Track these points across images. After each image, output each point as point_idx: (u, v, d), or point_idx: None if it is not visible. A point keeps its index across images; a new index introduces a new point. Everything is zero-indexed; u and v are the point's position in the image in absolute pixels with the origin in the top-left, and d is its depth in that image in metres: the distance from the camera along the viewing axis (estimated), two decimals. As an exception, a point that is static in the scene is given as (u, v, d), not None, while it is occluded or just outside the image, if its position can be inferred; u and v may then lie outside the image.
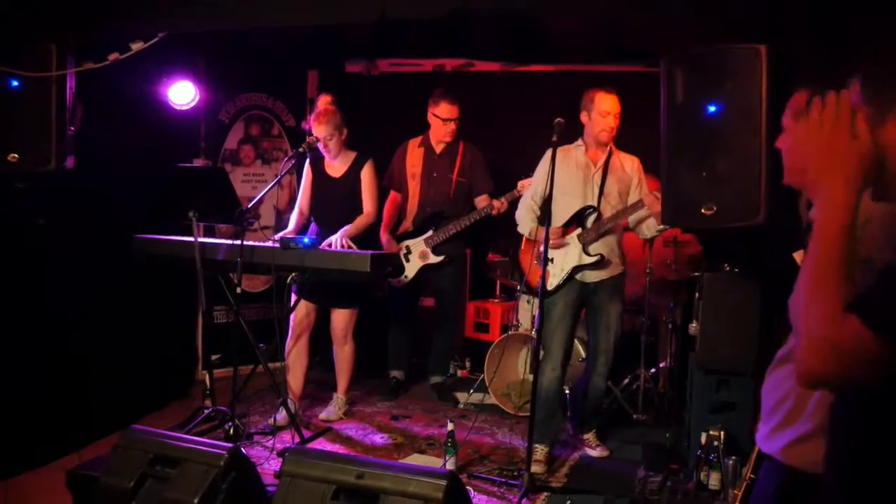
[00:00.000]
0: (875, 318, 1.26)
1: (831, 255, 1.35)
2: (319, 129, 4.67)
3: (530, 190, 4.58)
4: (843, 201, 1.36)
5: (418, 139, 5.51)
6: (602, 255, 4.35)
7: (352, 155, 4.89)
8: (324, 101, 4.84)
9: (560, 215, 4.40)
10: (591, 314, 4.49)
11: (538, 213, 4.47)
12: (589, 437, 4.63)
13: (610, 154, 4.42)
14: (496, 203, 5.17)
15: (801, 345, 1.34)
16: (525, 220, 4.55)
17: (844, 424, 1.43)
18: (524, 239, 4.91)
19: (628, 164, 4.46)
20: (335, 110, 4.75)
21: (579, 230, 4.40)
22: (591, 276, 4.39)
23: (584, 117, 4.38)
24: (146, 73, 5.10)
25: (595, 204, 4.38)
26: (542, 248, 4.01)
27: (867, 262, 1.46)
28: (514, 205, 4.95)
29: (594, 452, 4.58)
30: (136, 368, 4.88)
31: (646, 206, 4.25)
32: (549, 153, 4.36)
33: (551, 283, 4.33)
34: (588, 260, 4.36)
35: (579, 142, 4.44)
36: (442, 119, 5.30)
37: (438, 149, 5.43)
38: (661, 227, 4.33)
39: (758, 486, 1.95)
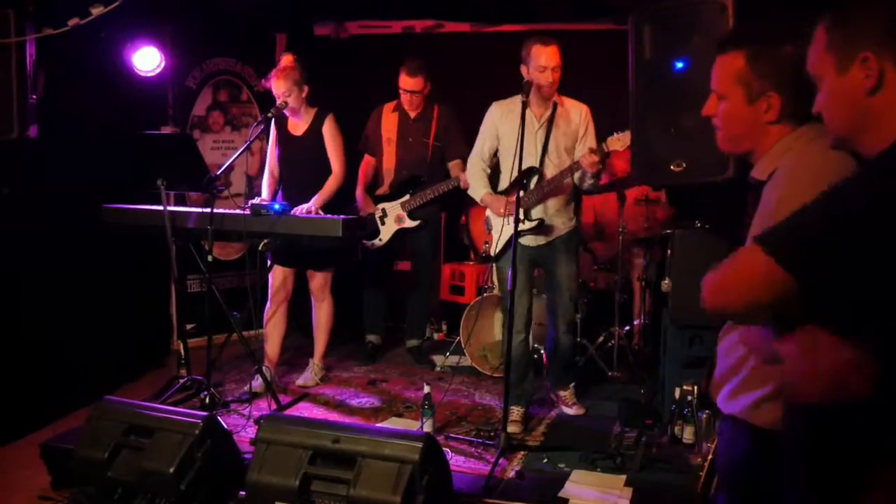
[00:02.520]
0: (774, 245, 1.32)
1: None
2: (278, 85, 4.60)
3: (476, 148, 4.46)
4: None
5: (392, 104, 5.43)
6: (542, 220, 4.26)
7: (312, 111, 4.83)
8: (285, 59, 4.76)
9: (507, 174, 4.27)
10: (545, 274, 4.45)
11: (488, 171, 4.39)
12: (565, 395, 4.62)
13: (555, 108, 4.27)
14: (463, 176, 5.12)
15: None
16: (476, 184, 4.43)
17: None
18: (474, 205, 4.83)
19: (575, 115, 4.29)
20: (294, 67, 4.65)
21: (521, 193, 4.17)
22: (538, 240, 4.32)
23: (524, 71, 4.16)
24: (110, 39, 5.01)
25: (537, 163, 4.26)
26: (487, 213, 3.95)
27: None
28: None
29: (570, 410, 4.59)
30: (109, 339, 4.85)
31: (582, 168, 4.13)
32: (492, 109, 4.32)
33: (494, 249, 4.32)
34: (528, 225, 4.23)
35: (522, 95, 4.12)
36: (404, 90, 5.25)
37: (412, 113, 5.37)
38: (592, 183, 4.25)
39: (722, 447, 1.95)
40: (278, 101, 4.62)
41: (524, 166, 4.09)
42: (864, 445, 1.32)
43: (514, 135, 4.11)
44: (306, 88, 4.70)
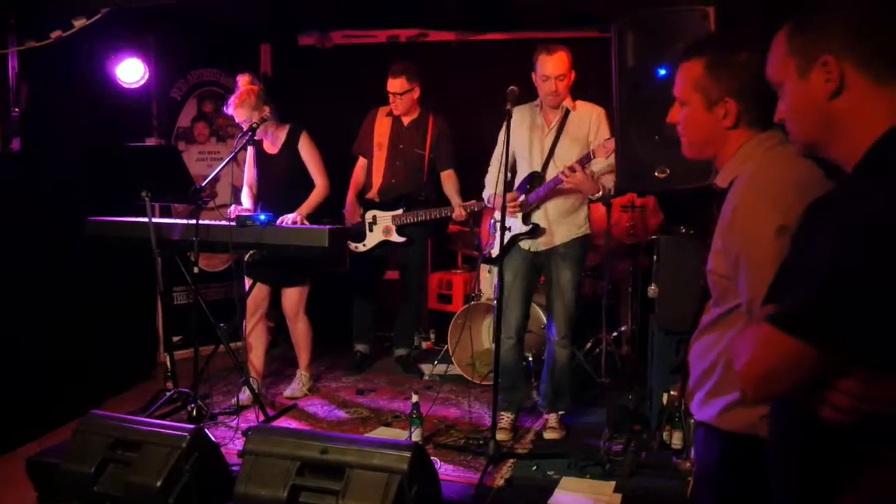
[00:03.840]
0: (801, 329, 1.28)
1: None
2: (238, 114, 4.56)
3: (496, 153, 4.39)
4: None
5: (387, 108, 5.36)
6: (536, 225, 4.22)
7: (285, 128, 4.80)
8: (242, 83, 4.71)
9: (519, 178, 4.31)
10: (545, 282, 4.39)
11: (508, 177, 4.33)
12: (550, 418, 4.40)
13: (566, 114, 4.20)
14: (457, 211, 5.12)
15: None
16: (491, 184, 4.38)
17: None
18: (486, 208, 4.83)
19: (586, 119, 4.19)
20: (248, 92, 4.58)
21: (522, 197, 4.25)
22: (538, 245, 4.27)
23: (533, 77, 4.15)
24: (93, 51, 5.00)
25: (540, 168, 4.22)
26: (495, 216, 3.94)
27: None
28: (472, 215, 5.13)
29: (546, 433, 4.36)
30: (96, 353, 4.83)
31: (565, 180, 4.04)
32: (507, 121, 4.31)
33: (495, 252, 4.26)
34: (523, 229, 4.23)
35: (537, 101, 4.24)
36: (389, 92, 5.22)
37: (405, 119, 5.35)
38: (595, 196, 4.13)
39: (698, 452, 1.98)
40: (264, 112, 4.61)
41: (528, 171, 4.25)
42: (849, 449, 1.32)
43: (522, 140, 4.24)
44: (267, 109, 4.62)
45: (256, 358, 4.86)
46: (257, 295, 4.80)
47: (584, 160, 4.04)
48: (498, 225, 4.28)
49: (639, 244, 5.38)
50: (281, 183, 4.79)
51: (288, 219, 4.52)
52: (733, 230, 1.70)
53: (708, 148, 1.89)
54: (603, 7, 5.13)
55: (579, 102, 4.25)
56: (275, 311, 5.04)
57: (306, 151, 4.77)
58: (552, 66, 4.06)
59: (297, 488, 2.95)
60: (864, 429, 1.29)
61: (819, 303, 1.27)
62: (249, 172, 4.95)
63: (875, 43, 1.34)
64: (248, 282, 4.81)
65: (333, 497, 2.89)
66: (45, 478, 3.47)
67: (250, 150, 4.91)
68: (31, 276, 4.49)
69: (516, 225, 4.29)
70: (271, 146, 4.82)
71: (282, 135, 4.80)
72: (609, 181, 4.10)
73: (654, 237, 4.53)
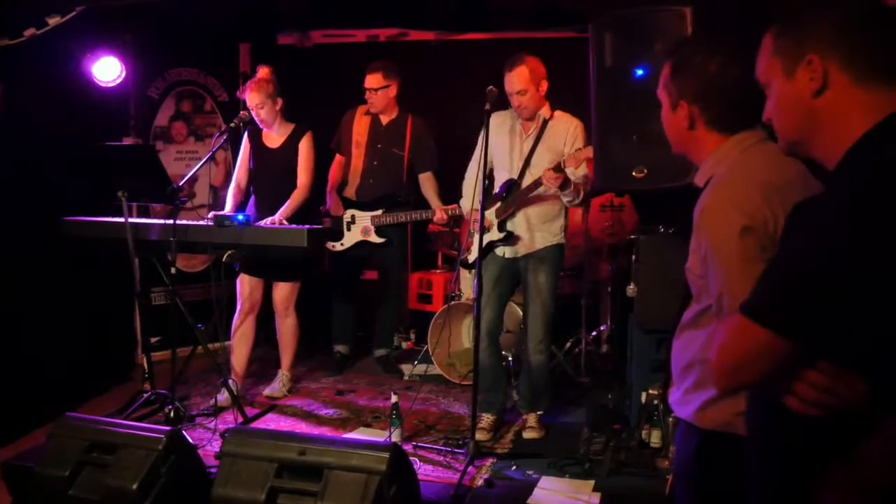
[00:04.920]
0: (768, 317, 1.29)
1: None
2: (252, 97, 4.59)
3: (474, 157, 4.37)
4: None
5: (365, 107, 5.35)
6: (511, 233, 4.23)
7: (290, 126, 4.82)
8: (261, 72, 4.74)
9: (497, 183, 4.32)
10: (522, 288, 4.38)
11: (486, 183, 4.33)
12: (528, 418, 4.40)
13: (545, 123, 4.21)
14: (438, 214, 5.08)
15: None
16: (468, 195, 4.38)
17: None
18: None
19: (562, 130, 4.18)
20: (269, 79, 4.64)
21: (499, 205, 4.26)
22: (515, 251, 4.27)
23: None
24: (69, 50, 4.95)
25: (517, 175, 4.22)
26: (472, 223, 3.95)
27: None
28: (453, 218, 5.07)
29: (525, 433, 4.36)
30: (73, 355, 4.79)
31: (542, 185, 4.05)
32: (490, 120, 4.31)
33: (470, 258, 4.29)
34: (498, 236, 4.25)
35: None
36: (365, 88, 5.20)
37: (384, 119, 5.33)
38: (570, 199, 4.13)
39: (677, 449, 2.00)
40: (242, 113, 4.59)
41: (505, 178, 4.25)
42: (821, 444, 1.33)
43: (501, 146, 4.24)
44: (280, 101, 4.68)
45: (238, 359, 4.82)
46: (247, 293, 4.79)
47: (558, 168, 3.98)
48: (476, 226, 4.29)
49: (618, 244, 5.39)
50: (278, 177, 4.79)
51: (268, 221, 4.51)
52: (702, 231, 1.72)
53: (678, 146, 1.95)
54: (581, 7, 5.14)
55: (558, 113, 4.25)
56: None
57: (303, 151, 4.79)
58: (512, 83, 4.07)
59: (276, 490, 2.92)
60: (837, 424, 1.30)
61: (785, 294, 1.30)
62: (241, 169, 4.93)
63: (857, 42, 1.36)
64: (240, 281, 4.81)
65: (312, 498, 2.87)
66: (20, 482, 3.42)
67: (244, 147, 4.89)
68: (5, 277, 4.44)
69: (492, 231, 4.28)
70: (273, 140, 4.82)
71: (286, 131, 4.81)
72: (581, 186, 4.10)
73: (632, 237, 4.54)
